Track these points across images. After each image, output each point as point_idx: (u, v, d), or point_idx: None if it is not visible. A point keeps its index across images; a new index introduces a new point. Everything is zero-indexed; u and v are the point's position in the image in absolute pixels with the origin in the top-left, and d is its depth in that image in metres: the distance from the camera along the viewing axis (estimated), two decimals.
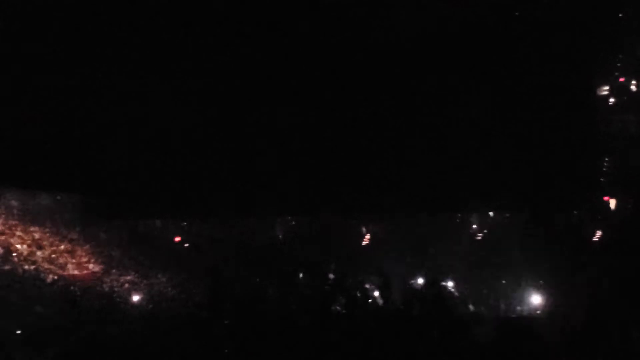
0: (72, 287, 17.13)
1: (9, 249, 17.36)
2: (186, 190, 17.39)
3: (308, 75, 16.10)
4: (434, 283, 17.36)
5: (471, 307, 17.00)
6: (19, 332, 15.50)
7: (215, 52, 16.36)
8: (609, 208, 17.38)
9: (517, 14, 16.10)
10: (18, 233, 17.43)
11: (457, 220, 17.94)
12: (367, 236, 18.17)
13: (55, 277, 17.25)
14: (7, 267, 17.08)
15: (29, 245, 17.50)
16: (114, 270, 17.60)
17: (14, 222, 17.61)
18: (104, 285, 17.24)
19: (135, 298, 17.19)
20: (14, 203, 17.53)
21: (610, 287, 16.25)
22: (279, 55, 16.15)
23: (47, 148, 17.26)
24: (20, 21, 16.38)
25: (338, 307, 16.99)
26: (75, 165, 17.42)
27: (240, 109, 16.25)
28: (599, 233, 17.26)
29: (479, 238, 18.03)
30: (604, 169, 17.15)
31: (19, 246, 17.41)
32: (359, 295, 17.25)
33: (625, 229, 17.09)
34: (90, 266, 17.54)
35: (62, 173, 17.70)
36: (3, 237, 17.42)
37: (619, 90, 18.04)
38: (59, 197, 17.47)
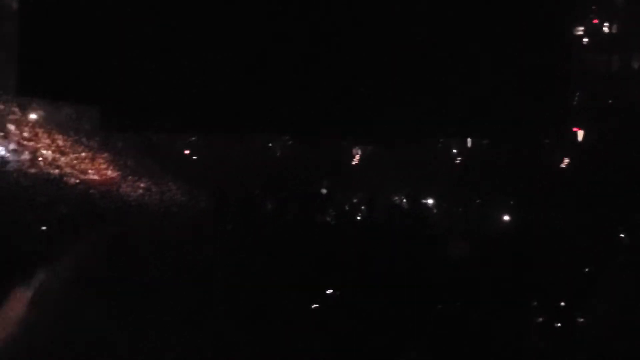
0: (91, 191, 18.69)
1: (35, 154, 18.88)
2: (195, 108, 18.15)
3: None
4: (414, 200, 19.11)
5: (447, 222, 18.69)
6: (43, 228, 16.77)
7: None
8: (577, 138, 19.03)
9: None
10: (44, 140, 19.22)
11: (439, 145, 19.59)
12: (357, 157, 19.69)
13: (77, 181, 18.80)
14: (33, 170, 18.58)
15: (53, 151, 19.10)
16: (129, 177, 19.27)
17: (40, 130, 19.27)
18: (121, 190, 19.09)
19: (149, 202, 18.88)
20: (40, 112, 19.09)
21: (574, 209, 18.04)
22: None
23: (69, 62, 17.63)
24: None
25: (328, 219, 18.71)
26: (95, 79, 17.89)
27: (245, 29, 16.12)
28: (566, 160, 18.95)
29: (458, 162, 19.68)
30: (575, 102, 18.66)
31: (44, 152, 18.98)
32: (347, 209, 18.95)
33: (590, 157, 18.80)
34: (109, 172, 19.17)
35: (83, 86, 18.26)
36: (31, 143, 18.99)
37: (592, 31, 19.38)
38: (80, 108, 19.01)
